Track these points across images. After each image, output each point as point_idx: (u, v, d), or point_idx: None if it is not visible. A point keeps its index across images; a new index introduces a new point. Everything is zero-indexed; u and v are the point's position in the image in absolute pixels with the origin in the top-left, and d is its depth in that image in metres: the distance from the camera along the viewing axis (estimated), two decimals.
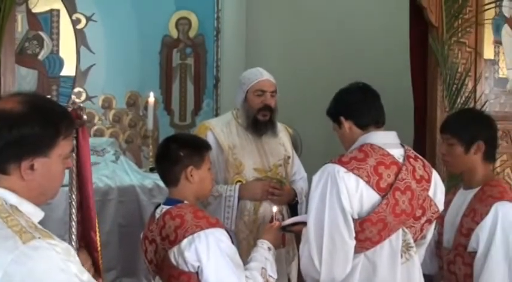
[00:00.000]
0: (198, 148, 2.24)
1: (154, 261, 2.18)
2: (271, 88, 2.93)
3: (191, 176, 2.18)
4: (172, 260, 2.06)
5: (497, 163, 3.40)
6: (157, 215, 2.17)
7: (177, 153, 2.19)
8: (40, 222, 1.41)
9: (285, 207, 2.99)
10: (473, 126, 2.36)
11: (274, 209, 2.52)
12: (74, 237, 2.05)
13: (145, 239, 2.21)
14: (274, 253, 2.29)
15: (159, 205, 2.24)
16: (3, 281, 1.22)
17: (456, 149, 2.34)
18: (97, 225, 2.08)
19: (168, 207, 2.15)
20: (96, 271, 1.95)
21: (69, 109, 1.83)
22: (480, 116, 2.50)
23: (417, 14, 3.46)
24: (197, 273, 2.03)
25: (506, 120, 3.60)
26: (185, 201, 2.17)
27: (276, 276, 2.24)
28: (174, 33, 5.04)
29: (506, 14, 3.68)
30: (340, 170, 2.04)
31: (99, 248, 2.04)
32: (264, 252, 2.24)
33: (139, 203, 3.76)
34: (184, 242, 2.02)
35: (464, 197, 2.38)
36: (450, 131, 2.37)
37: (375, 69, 4.04)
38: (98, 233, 2.06)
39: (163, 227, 2.10)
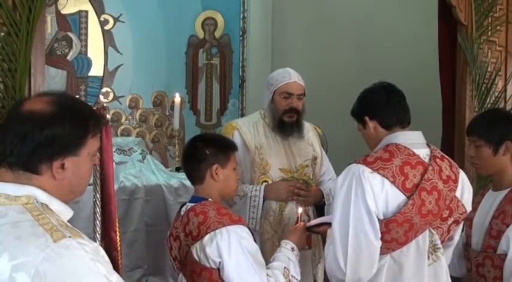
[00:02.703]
0: (224, 147, 2.27)
1: (178, 258, 2.21)
2: (299, 91, 2.91)
3: (216, 174, 2.21)
4: (195, 255, 2.09)
5: None
6: (182, 213, 2.21)
7: (204, 151, 2.23)
8: (69, 221, 1.44)
9: (311, 209, 2.99)
10: (500, 126, 2.34)
11: (300, 210, 2.52)
12: (98, 236, 2.09)
13: (170, 236, 2.24)
14: (298, 254, 2.29)
15: (184, 203, 2.27)
16: (35, 278, 1.24)
17: (484, 151, 2.32)
18: (117, 225, 2.10)
19: (192, 204, 2.19)
20: (115, 271, 1.98)
21: (94, 108, 1.86)
22: (506, 116, 2.48)
23: (446, 13, 3.42)
24: (218, 269, 2.05)
25: None
26: (209, 199, 2.20)
27: (299, 278, 2.24)
28: (200, 34, 5.07)
29: None
30: (365, 170, 2.03)
31: (118, 248, 2.06)
32: (287, 253, 2.25)
33: (165, 202, 3.79)
34: (206, 237, 2.05)
35: (493, 199, 2.36)
36: (477, 132, 2.35)
37: (402, 69, 4.01)
38: (118, 233, 2.09)
39: (187, 224, 2.13)
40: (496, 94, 3.39)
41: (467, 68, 3.35)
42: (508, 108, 3.37)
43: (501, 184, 2.35)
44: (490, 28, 3.39)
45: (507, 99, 3.44)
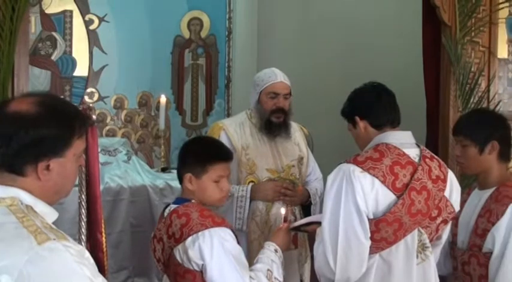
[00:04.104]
0: (202, 160, 2.21)
1: (162, 260, 2.19)
2: (285, 91, 2.91)
3: (189, 182, 2.19)
4: (178, 258, 2.07)
5: (511, 163, 3.35)
6: (165, 214, 2.18)
7: (184, 158, 2.24)
8: (54, 223, 1.41)
9: (298, 208, 2.98)
10: (486, 126, 2.34)
11: (283, 211, 2.51)
12: (83, 237, 2.05)
13: (154, 238, 2.22)
14: (281, 256, 2.28)
15: (169, 205, 2.25)
16: (19, 281, 1.22)
17: (470, 151, 2.32)
18: (103, 226, 2.07)
19: (175, 206, 2.16)
20: (101, 272, 1.95)
21: (80, 109, 1.82)
22: (492, 116, 2.49)
23: (430, 13, 3.43)
24: (202, 271, 2.03)
25: None
26: (193, 201, 2.18)
27: (282, 280, 2.22)
28: (186, 34, 5.04)
29: None
30: (355, 170, 2.03)
31: (104, 249, 2.04)
32: (270, 254, 2.24)
33: (150, 203, 3.76)
34: (189, 240, 2.03)
35: (479, 198, 2.36)
36: (463, 132, 2.36)
37: (388, 69, 4.02)
38: (103, 234, 2.06)
39: (170, 226, 2.11)
40: (480, 94, 3.40)
41: (451, 68, 3.37)
42: (491, 108, 3.38)
43: (487, 183, 2.36)
44: (473, 29, 3.41)
45: (490, 99, 3.45)
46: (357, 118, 2.18)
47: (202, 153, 2.24)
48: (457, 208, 2.21)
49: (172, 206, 2.18)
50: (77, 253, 1.29)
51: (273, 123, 2.91)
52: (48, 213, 1.40)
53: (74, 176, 1.48)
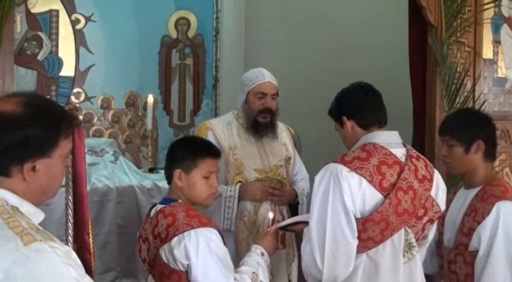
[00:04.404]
0: (192, 153, 2.21)
1: (147, 260, 2.18)
2: (272, 91, 2.91)
3: (179, 179, 2.18)
4: (163, 258, 2.06)
5: (496, 162, 3.39)
6: (151, 214, 2.18)
7: (173, 154, 2.23)
8: (40, 223, 1.39)
9: (285, 208, 2.99)
10: (472, 126, 2.36)
11: (270, 215, 2.51)
12: (70, 238, 2.04)
13: (139, 238, 2.21)
14: (268, 259, 2.28)
15: (155, 205, 2.24)
16: None
17: (456, 150, 2.34)
18: (90, 226, 2.06)
19: (162, 206, 2.16)
20: (88, 273, 1.94)
21: (66, 109, 1.81)
22: (477, 116, 2.51)
23: (416, 14, 3.44)
24: (187, 272, 2.03)
25: (505, 119, 3.58)
26: (179, 200, 2.17)
27: None
28: (173, 34, 5.03)
29: (505, 14, 3.66)
30: (343, 170, 2.03)
31: (91, 250, 2.03)
32: (256, 257, 2.23)
33: (138, 203, 3.74)
34: (174, 240, 2.03)
35: (465, 197, 2.38)
36: (449, 132, 2.37)
37: (375, 69, 4.03)
38: (91, 235, 2.05)
39: (156, 226, 2.10)
40: (465, 94, 3.43)
41: (437, 68, 3.38)
42: (476, 107, 3.40)
43: (472, 182, 2.37)
44: (459, 29, 3.43)
45: (475, 99, 3.48)
46: (344, 118, 2.18)
47: (193, 147, 2.25)
48: (442, 207, 2.22)
49: (159, 206, 2.17)
50: (63, 254, 1.28)
51: (259, 124, 2.91)
52: (34, 214, 1.39)
53: (61, 176, 1.47)
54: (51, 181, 1.42)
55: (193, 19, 5.05)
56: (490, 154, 2.38)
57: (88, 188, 3.02)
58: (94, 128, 4.75)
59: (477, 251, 2.24)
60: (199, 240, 2.02)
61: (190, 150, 2.22)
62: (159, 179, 3.78)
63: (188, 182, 2.18)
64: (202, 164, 2.20)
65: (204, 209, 2.47)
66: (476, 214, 2.28)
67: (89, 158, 3.66)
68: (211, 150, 2.26)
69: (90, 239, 2.06)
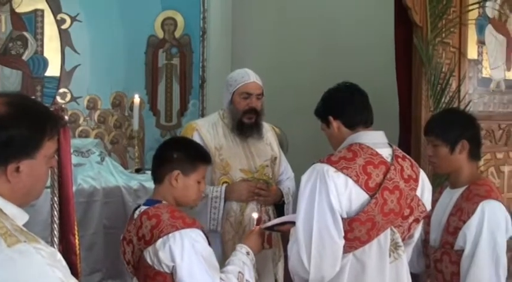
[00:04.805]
0: (194, 157, 2.22)
1: (131, 262, 2.17)
2: (258, 91, 2.92)
3: (176, 180, 2.17)
4: (148, 260, 2.05)
5: (481, 162, 3.42)
6: (135, 216, 2.16)
7: (172, 153, 2.20)
8: (25, 225, 1.38)
9: (271, 208, 2.99)
10: (456, 125, 2.38)
11: (255, 215, 2.51)
12: (56, 239, 2.03)
13: (123, 240, 2.20)
14: (253, 258, 2.28)
15: (139, 206, 2.23)
16: None
17: (441, 150, 2.36)
18: (76, 227, 2.05)
19: (146, 207, 2.15)
20: (74, 275, 1.93)
21: (51, 109, 1.80)
22: (461, 115, 2.53)
23: (402, 14, 3.45)
24: (172, 273, 2.02)
25: (489, 119, 3.61)
26: (164, 202, 2.16)
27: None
28: (160, 34, 5.01)
29: (490, 15, 3.70)
30: (329, 170, 2.03)
31: (77, 252, 2.02)
32: (242, 257, 2.23)
33: (124, 204, 3.73)
34: (159, 242, 2.02)
35: (450, 196, 2.40)
36: (434, 132, 2.39)
37: (361, 69, 4.04)
38: (77, 236, 2.04)
39: (140, 227, 2.09)
40: (451, 94, 3.45)
41: (422, 68, 3.39)
42: (461, 107, 3.43)
43: (458, 182, 2.39)
44: (444, 30, 3.45)
45: (461, 99, 3.50)
46: (331, 118, 2.18)
47: (194, 152, 2.25)
48: (428, 207, 2.23)
49: (143, 208, 2.16)
50: (48, 255, 1.27)
51: (244, 125, 2.92)
52: (19, 216, 1.38)
53: (45, 177, 1.46)
54: (35, 182, 1.41)
55: (180, 19, 5.04)
56: (475, 154, 2.41)
57: (74, 188, 2.99)
58: (80, 128, 4.72)
59: (463, 250, 2.25)
60: (184, 242, 2.01)
61: (190, 154, 2.22)
62: (146, 180, 3.77)
63: (184, 184, 2.18)
64: (200, 169, 2.21)
65: (189, 210, 2.47)
66: (461, 213, 2.30)
67: (74, 159, 3.64)
68: (208, 157, 2.29)
69: (76, 240, 2.05)
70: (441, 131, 2.36)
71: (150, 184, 3.47)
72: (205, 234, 2.12)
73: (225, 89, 2.99)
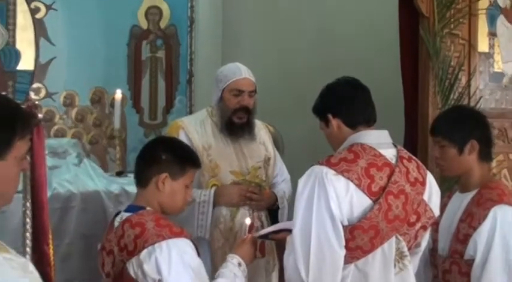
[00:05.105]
0: (184, 159, 2.21)
1: (111, 275, 2.15)
2: (250, 88, 2.92)
3: (163, 183, 2.16)
4: (131, 272, 2.04)
5: (493, 164, 3.42)
6: (116, 224, 2.15)
7: (159, 154, 2.19)
8: None
9: (264, 213, 3.00)
10: (464, 124, 2.38)
11: (247, 220, 2.51)
12: (28, 249, 2.02)
13: (102, 250, 2.18)
14: (245, 270, 2.28)
15: (119, 213, 2.22)
16: None
17: (449, 151, 2.36)
18: (51, 236, 2.03)
19: (128, 214, 2.13)
20: None
21: (24, 107, 1.79)
22: (470, 113, 2.54)
23: (407, 4, 3.46)
24: None
25: (502, 117, 3.62)
26: (148, 208, 2.15)
27: None
28: (144, 24, 4.99)
29: (501, 4, 3.70)
30: (328, 172, 2.03)
31: (52, 263, 2.00)
32: (233, 268, 2.22)
33: (104, 210, 3.69)
34: (144, 252, 2.01)
35: (460, 201, 2.40)
36: (440, 132, 2.39)
37: (362, 64, 4.05)
38: (51, 246, 2.02)
39: (122, 237, 2.08)
40: (460, 90, 3.46)
41: (429, 62, 3.40)
42: (471, 104, 3.44)
43: (468, 185, 2.40)
44: (452, 20, 3.46)
45: (471, 95, 3.51)
46: (330, 116, 2.18)
47: (183, 154, 2.24)
48: (436, 213, 2.23)
49: (124, 214, 2.15)
50: (19, 266, 1.27)
51: (234, 125, 2.92)
52: None
53: (16, 181, 1.45)
54: (5, 186, 1.40)
55: (165, 8, 5.02)
56: (486, 155, 2.41)
57: (48, 193, 2.98)
58: (55, 127, 4.68)
59: (473, 260, 2.25)
60: (172, 253, 2.00)
61: (180, 155, 2.22)
62: (128, 184, 3.74)
63: (171, 189, 2.17)
64: (189, 173, 2.21)
65: (175, 216, 2.45)
66: (472, 219, 2.30)
67: (49, 161, 3.61)
68: (197, 161, 2.29)
69: (51, 250, 2.05)
70: (448, 130, 2.37)
71: (132, 188, 3.44)
72: (194, 243, 2.11)
73: (214, 84, 2.99)
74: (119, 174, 4.02)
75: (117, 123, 4.20)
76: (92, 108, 4.81)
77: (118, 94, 4.28)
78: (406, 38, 3.53)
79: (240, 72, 2.93)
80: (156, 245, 2.00)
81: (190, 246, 2.08)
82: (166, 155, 2.19)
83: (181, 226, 2.17)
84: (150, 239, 2.01)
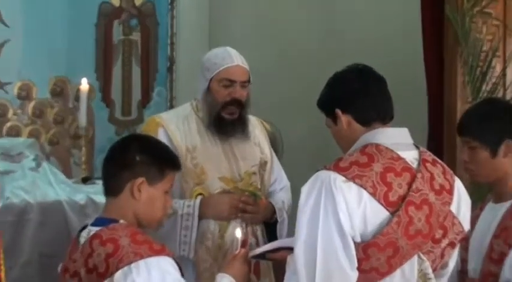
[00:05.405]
0: (162, 160, 2.22)
1: None
2: (243, 77, 2.93)
3: (138, 190, 2.16)
4: None
5: None
6: (82, 240, 2.16)
7: (133, 155, 2.19)
8: None
9: (260, 228, 3.01)
10: (497, 121, 2.39)
11: (238, 234, 2.51)
12: None
13: (65, 273, 2.18)
14: None
15: (85, 227, 2.21)
16: None
17: (480, 154, 2.37)
18: (2, 256, 2.02)
19: (97, 228, 2.13)
20: None
21: None
22: (504, 108, 2.54)
23: None
24: None
25: None
26: (121, 221, 2.15)
27: None
28: (115, 0, 5.00)
29: None
30: (337, 179, 2.02)
31: None
32: None
33: (67, 224, 3.70)
34: (118, 274, 2.01)
35: (494, 213, 2.40)
36: (469, 132, 2.40)
37: (377, 49, 4.06)
38: (3, 267, 2.01)
39: (90, 256, 2.08)
40: (494, 80, 3.47)
41: (457, 47, 3.42)
42: (507, 97, 3.45)
43: (503, 194, 2.41)
44: None
45: (506, 86, 3.52)
46: (338, 111, 2.17)
47: (160, 153, 2.25)
48: (466, 227, 2.22)
49: (93, 229, 2.14)
50: None
51: (224, 121, 2.93)
52: None
53: None
54: None
55: None
56: None
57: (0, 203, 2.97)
58: (9, 124, 4.70)
59: None
60: (152, 274, 2.01)
61: (156, 156, 2.22)
62: (96, 192, 3.74)
63: (148, 196, 2.18)
64: (168, 176, 2.22)
65: (153, 232, 2.45)
66: (508, 235, 2.30)
67: (1, 165, 3.63)
68: (178, 161, 2.30)
69: (2, 273, 2.03)
70: (478, 129, 2.37)
71: (101, 198, 3.45)
72: (177, 263, 2.12)
73: (200, 73, 2.99)
74: (85, 180, 4.03)
75: (82, 120, 4.20)
76: (52, 102, 4.82)
77: (84, 85, 4.28)
78: (429, 18, 3.54)
79: (230, 58, 2.93)
80: (133, 264, 2.00)
81: (173, 266, 2.08)
82: (141, 156, 2.19)
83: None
84: (125, 258, 2.01)
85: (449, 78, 3.46)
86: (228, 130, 2.95)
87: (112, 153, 2.26)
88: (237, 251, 2.39)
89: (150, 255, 2.03)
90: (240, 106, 2.93)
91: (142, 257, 2.01)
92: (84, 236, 2.15)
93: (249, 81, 2.96)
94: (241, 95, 2.92)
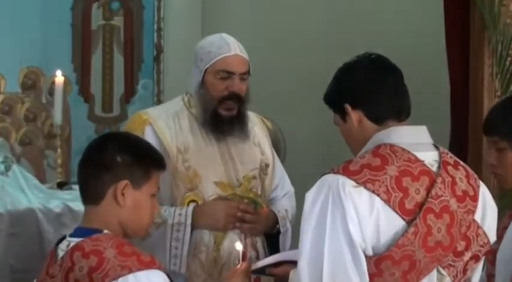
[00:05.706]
0: (146, 159, 2.21)
1: None
2: (242, 68, 2.94)
3: (122, 194, 2.16)
4: None
5: None
6: (60, 253, 2.15)
7: (114, 156, 2.18)
8: None
9: (260, 240, 3.02)
10: None
11: (238, 246, 2.51)
12: None
13: None
14: None
15: (63, 238, 2.22)
16: None
17: (509, 156, 2.39)
18: None
19: (77, 239, 2.13)
20: None
21: None
22: None
23: None
24: None
25: None
26: (105, 231, 2.15)
27: None
28: None
29: None
30: (346, 184, 2.03)
31: None
32: None
33: (41, 235, 3.72)
34: None
35: None
36: (497, 131, 2.42)
37: (393, 37, 4.07)
38: None
39: (71, 270, 2.08)
40: None
41: (484, 33, 3.42)
42: None
43: None
44: None
45: None
46: (348, 107, 2.18)
47: (144, 152, 2.24)
48: (492, 238, 2.22)
49: (72, 240, 2.15)
50: None
51: (221, 118, 2.93)
52: None
53: None
54: None
55: None
56: None
57: None
58: None
59: None
60: None
61: (139, 155, 2.21)
62: (73, 199, 3.76)
63: (134, 201, 2.17)
64: (154, 177, 2.22)
65: (139, 244, 2.47)
66: None
67: None
68: (162, 160, 2.28)
69: None
70: (507, 128, 2.39)
71: (79, 205, 3.47)
72: (169, 277, 2.13)
73: (193, 64, 3.00)
74: (61, 186, 4.04)
75: (57, 117, 4.21)
76: (23, 97, 4.83)
77: (59, 77, 4.29)
78: (452, 3, 3.55)
79: (227, 46, 2.94)
80: (121, 279, 2.01)
81: (165, 280, 2.09)
82: (122, 156, 2.18)
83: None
84: (111, 271, 2.02)
85: (475, 70, 3.46)
86: (225, 128, 2.95)
87: (88, 155, 2.24)
88: (239, 265, 2.40)
89: (139, 269, 2.03)
90: (239, 101, 2.94)
91: (131, 271, 2.02)
92: (62, 249, 2.15)
93: (248, 72, 2.96)
94: (240, 89, 2.92)
